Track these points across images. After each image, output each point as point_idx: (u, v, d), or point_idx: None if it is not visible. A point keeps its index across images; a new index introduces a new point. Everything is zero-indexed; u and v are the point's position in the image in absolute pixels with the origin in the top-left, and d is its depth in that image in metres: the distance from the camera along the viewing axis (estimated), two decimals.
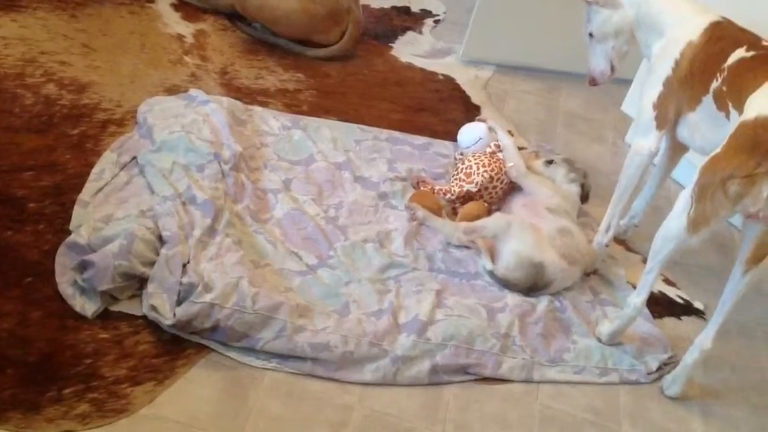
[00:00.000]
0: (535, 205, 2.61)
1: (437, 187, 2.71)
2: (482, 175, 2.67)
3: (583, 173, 2.82)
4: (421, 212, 2.56)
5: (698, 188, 2.02)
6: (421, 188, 2.70)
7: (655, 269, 2.21)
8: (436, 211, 2.61)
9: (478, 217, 2.60)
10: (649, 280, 2.23)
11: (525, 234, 2.45)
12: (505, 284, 2.40)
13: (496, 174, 2.69)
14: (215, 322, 2.00)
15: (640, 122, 2.48)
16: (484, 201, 2.69)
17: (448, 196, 2.68)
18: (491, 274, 2.42)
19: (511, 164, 2.70)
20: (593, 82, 2.65)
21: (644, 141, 2.45)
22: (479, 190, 2.67)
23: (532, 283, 2.39)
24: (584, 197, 2.81)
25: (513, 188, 2.75)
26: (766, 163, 1.90)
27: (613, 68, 2.61)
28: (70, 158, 2.46)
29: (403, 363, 2.10)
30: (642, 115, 2.46)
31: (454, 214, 2.67)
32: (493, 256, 2.45)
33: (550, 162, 2.81)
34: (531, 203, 2.62)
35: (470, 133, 2.94)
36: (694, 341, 2.25)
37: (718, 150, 2.02)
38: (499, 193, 2.72)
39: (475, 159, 2.72)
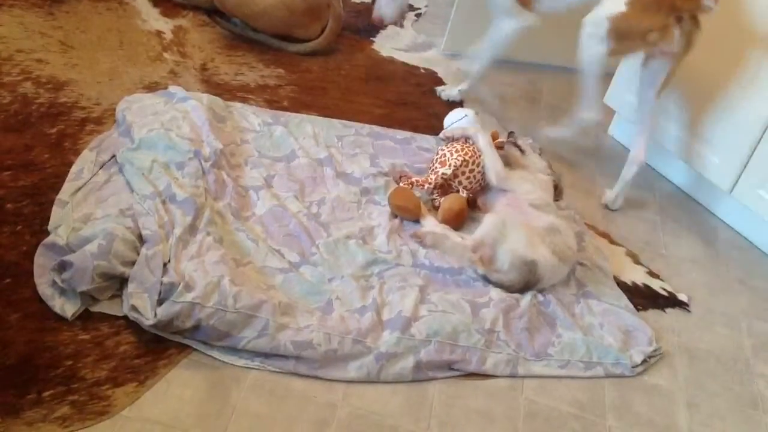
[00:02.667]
0: (518, 202, 2.59)
1: (417, 179, 2.69)
2: (456, 159, 2.66)
3: (558, 176, 2.80)
4: (430, 238, 2.49)
5: (615, 33, 2.67)
6: (402, 184, 2.68)
7: (591, 83, 2.83)
8: (415, 208, 2.59)
9: (460, 212, 2.59)
10: (591, 93, 2.85)
11: (518, 232, 2.43)
12: (499, 286, 2.39)
13: (470, 157, 2.67)
14: (197, 321, 1.98)
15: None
16: (463, 188, 2.68)
17: (427, 186, 2.66)
18: (484, 277, 2.41)
19: (491, 171, 2.66)
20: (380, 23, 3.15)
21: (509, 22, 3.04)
22: (456, 175, 2.66)
23: (525, 283, 2.38)
24: (558, 195, 2.78)
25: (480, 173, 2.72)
26: (672, 13, 2.61)
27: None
28: (48, 157, 2.43)
29: (386, 360, 2.08)
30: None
31: (434, 208, 2.65)
32: (487, 258, 2.43)
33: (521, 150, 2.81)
34: (514, 201, 2.60)
35: (456, 112, 2.99)
36: (629, 156, 2.95)
37: (621, 8, 2.64)
38: (477, 177, 2.69)
39: (448, 147, 2.72)
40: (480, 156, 2.69)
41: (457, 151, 2.68)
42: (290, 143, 2.76)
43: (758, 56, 2.80)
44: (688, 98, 3.07)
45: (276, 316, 2.05)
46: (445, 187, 2.68)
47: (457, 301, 2.29)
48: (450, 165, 2.65)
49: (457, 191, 2.68)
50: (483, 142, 2.70)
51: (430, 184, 2.66)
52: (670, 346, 2.45)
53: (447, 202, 2.62)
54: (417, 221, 2.58)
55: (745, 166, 2.91)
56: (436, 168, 2.69)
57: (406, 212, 2.57)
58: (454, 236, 2.51)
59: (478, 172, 2.69)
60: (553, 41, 3.72)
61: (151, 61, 3.06)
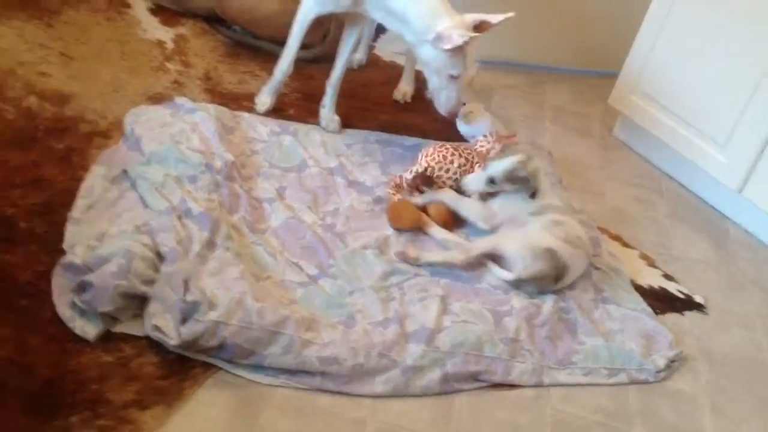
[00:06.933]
0: (515, 218, 2.53)
1: (395, 182, 2.67)
2: (425, 159, 2.67)
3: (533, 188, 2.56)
4: (422, 260, 2.40)
5: None
6: (388, 190, 2.65)
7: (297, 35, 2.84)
8: (415, 224, 2.55)
9: (440, 212, 2.58)
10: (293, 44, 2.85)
11: (518, 232, 2.43)
12: (533, 282, 2.36)
13: (436, 163, 2.66)
14: (221, 339, 1.94)
15: None
16: (449, 187, 2.67)
17: (406, 175, 2.66)
18: (514, 282, 2.38)
19: (475, 221, 2.58)
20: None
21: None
22: (430, 175, 2.66)
23: (556, 273, 2.36)
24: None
25: (466, 172, 2.68)
26: None
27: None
28: (58, 173, 2.38)
29: (413, 373, 2.06)
30: None
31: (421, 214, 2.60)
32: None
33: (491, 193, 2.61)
34: (511, 219, 2.54)
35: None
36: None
37: None
38: (454, 176, 2.68)
39: (423, 151, 2.72)
40: (452, 154, 2.68)
41: (427, 155, 2.69)
42: (300, 153, 2.72)
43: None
44: (693, 98, 3.06)
45: (300, 331, 2.02)
46: (422, 179, 2.67)
47: (479, 310, 2.27)
48: (420, 165, 2.67)
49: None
50: (448, 199, 2.62)
51: (407, 179, 2.66)
52: (690, 350, 2.44)
53: (433, 210, 2.61)
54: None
55: (754, 165, 2.91)
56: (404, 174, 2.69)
57: (407, 229, 2.54)
58: (454, 240, 2.50)
59: (453, 171, 2.67)
60: (557, 44, 3.73)
61: (154, 72, 3.01)
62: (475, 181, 2.59)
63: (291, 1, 2.92)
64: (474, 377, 2.13)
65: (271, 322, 1.99)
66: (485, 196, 2.61)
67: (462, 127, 2.88)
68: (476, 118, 2.85)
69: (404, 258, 2.39)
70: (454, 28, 2.47)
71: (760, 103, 2.85)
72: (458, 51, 2.51)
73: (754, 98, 2.86)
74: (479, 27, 2.55)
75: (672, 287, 2.68)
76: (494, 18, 2.53)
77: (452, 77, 2.58)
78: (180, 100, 2.76)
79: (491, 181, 2.53)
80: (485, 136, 2.80)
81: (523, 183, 2.51)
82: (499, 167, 2.52)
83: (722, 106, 2.97)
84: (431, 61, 2.57)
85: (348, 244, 2.40)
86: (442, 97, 2.66)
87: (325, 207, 2.54)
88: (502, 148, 2.66)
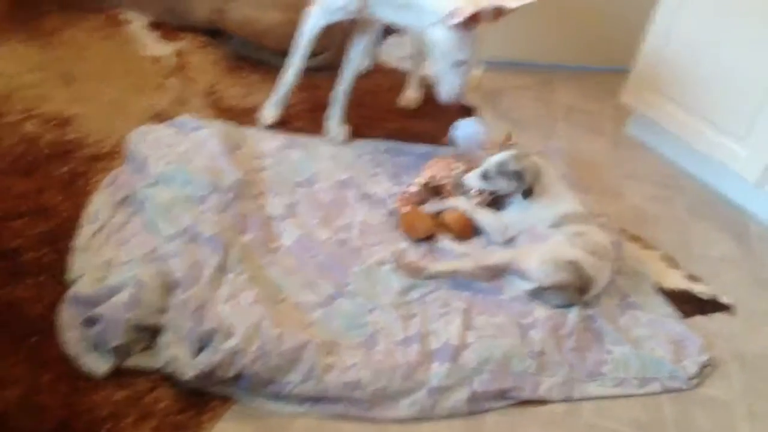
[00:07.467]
0: (533, 231, 2.46)
1: (403, 197, 2.60)
2: (427, 171, 2.63)
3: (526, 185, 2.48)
4: (431, 270, 2.33)
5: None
6: (403, 210, 2.55)
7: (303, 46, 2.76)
8: (431, 226, 2.49)
9: (461, 216, 2.51)
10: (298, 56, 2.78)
11: (538, 246, 2.37)
12: (556, 293, 2.29)
13: (437, 172, 2.62)
14: (239, 369, 1.86)
15: None
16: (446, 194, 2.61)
17: (411, 188, 2.60)
18: (536, 292, 2.30)
19: (490, 233, 2.51)
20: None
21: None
22: (434, 186, 2.61)
23: (581, 284, 2.29)
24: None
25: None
26: None
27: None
28: (62, 200, 2.31)
29: (439, 394, 1.98)
30: None
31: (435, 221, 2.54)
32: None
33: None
34: (529, 232, 2.47)
35: (467, 124, 2.91)
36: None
37: None
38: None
39: (426, 164, 2.69)
40: (454, 163, 2.64)
41: (429, 167, 2.65)
42: (309, 167, 2.65)
43: None
44: (710, 91, 2.99)
45: (321, 356, 1.94)
46: (443, 194, 2.61)
47: (503, 323, 2.20)
48: (417, 183, 2.62)
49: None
50: (465, 206, 2.55)
51: (411, 192, 2.59)
52: (721, 353, 2.36)
53: (449, 217, 2.53)
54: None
55: None
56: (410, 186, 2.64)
57: (422, 237, 2.48)
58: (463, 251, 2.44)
59: (456, 177, 2.62)
60: (563, 41, 3.66)
61: (156, 89, 2.94)
62: (472, 177, 2.54)
63: (294, 12, 2.85)
64: (502, 395, 2.05)
65: (291, 348, 1.92)
66: (492, 203, 2.57)
67: (456, 134, 2.82)
68: (470, 126, 2.80)
69: (409, 270, 2.31)
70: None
71: None
72: (468, 33, 2.44)
73: None
74: (495, 14, 2.48)
75: (697, 289, 2.60)
76: (512, 2, 2.46)
77: (458, 63, 2.51)
78: (184, 118, 2.69)
79: (485, 175, 2.49)
80: (482, 144, 2.74)
81: (516, 177, 2.45)
82: (492, 161, 2.49)
83: (740, 98, 2.89)
84: (441, 42, 2.48)
85: (364, 260, 2.33)
86: (446, 84, 2.59)
87: (337, 222, 2.46)
88: (502, 150, 2.60)
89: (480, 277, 2.34)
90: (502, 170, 2.47)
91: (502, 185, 2.50)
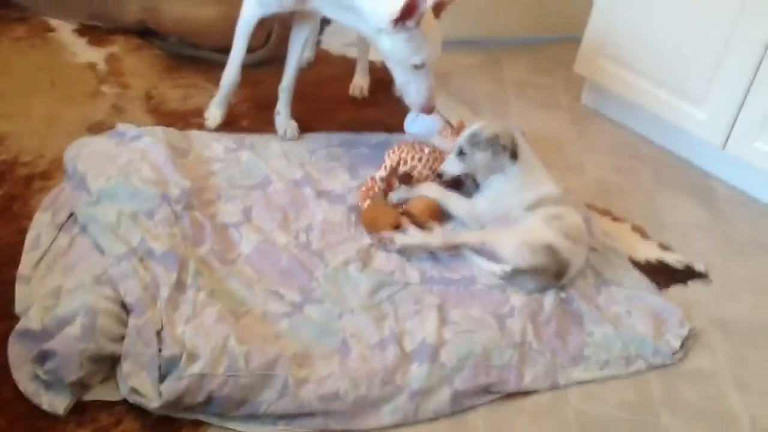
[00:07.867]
0: (507, 215, 2.37)
1: (369, 177, 2.52)
2: (392, 159, 2.53)
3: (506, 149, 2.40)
4: (398, 242, 2.28)
5: None
6: (364, 205, 2.44)
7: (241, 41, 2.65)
8: (394, 220, 2.36)
9: (427, 205, 2.41)
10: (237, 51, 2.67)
11: (513, 228, 2.28)
12: (531, 277, 2.21)
13: (406, 154, 2.53)
14: (208, 393, 1.74)
15: None
16: (424, 178, 2.51)
17: (379, 173, 2.50)
18: (512, 275, 2.21)
19: (461, 216, 2.43)
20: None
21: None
22: (404, 169, 2.51)
23: (557, 268, 2.21)
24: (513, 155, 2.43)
25: (438, 159, 2.53)
26: None
27: None
28: None
29: (421, 396, 1.88)
30: None
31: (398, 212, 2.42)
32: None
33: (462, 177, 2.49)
34: (503, 217, 2.38)
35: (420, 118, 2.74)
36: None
37: None
38: (428, 164, 2.52)
39: (387, 152, 2.57)
40: (421, 146, 2.55)
41: (393, 152, 2.54)
42: (261, 168, 2.52)
43: None
44: (663, 55, 2.92)
45: (293, 369, 1.83)
46: (414, 178, 2.51)
47: (480, 315, 2.10)
48: (386, 167, 2.52)
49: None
50: (432, 193, 2.46)
51: (382, 179, 2.49)
52: (701, 323, 2.30)
53: (415, 208, 2.41)
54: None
55: (735, 119, 2.78)
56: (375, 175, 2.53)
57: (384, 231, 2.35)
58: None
59: (426, 159, 2.53)
60: (511, 14, 3.58)
61: (90, 98, 2.78)
62: (449, 162, 2.44)
63: (230, 7, 2.71)
64: (486, 390, 1.96)
65: (261, 364, 1.80)
66: (470, 185, 2.47)
67: (413, 130, 2.71)
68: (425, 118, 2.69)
69: (380, 241, 2.26)
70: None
71: (734, 54, 2.72)
72: (416, 31, 2.31)
73: (728, 49, 2.73)
74: (436, 9, 2.37)
75: (670, 258, 2.55)
76: None
77: (416, 67, 2.38)
78: (123, 127, 2.53)
79: (461, 152, 2.40)
80: (440, 132, 2.64)
81: (491, 144, 2.35)
82: (463, 136, 2.42)
83: (695, 60, 2.84)
84: (391, 51, 2.36)
85: (328, 261, 2.21)
86: (412, 91, 2.45)
87: (297, 224, 2.34)
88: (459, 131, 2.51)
89: (446, 251, 2.29)
90: (475, 141, 2.37)
91: (480, 158, 2.37)
